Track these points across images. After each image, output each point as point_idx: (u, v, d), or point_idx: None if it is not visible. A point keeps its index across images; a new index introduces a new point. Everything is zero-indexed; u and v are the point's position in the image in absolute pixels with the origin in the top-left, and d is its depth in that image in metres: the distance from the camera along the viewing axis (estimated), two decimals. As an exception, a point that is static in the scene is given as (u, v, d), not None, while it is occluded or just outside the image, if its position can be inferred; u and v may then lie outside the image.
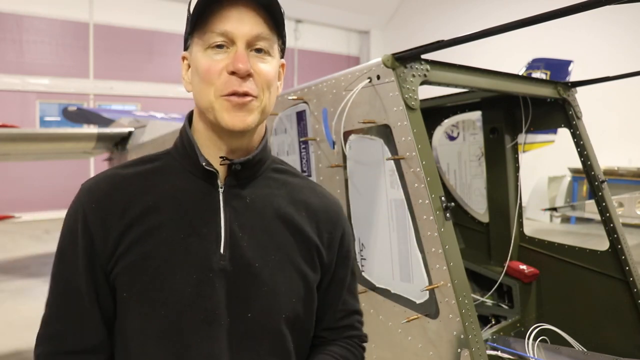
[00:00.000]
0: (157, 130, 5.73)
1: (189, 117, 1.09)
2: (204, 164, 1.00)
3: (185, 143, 1.04)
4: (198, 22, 0.96)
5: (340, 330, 1.17)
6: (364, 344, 1.21)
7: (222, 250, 0.99)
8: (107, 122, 7.33)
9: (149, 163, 1.06)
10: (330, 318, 1.16)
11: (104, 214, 0.98)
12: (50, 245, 7.94)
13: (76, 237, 0.98)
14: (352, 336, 1.19)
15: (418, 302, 1.84)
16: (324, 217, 1.12)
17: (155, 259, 0.96)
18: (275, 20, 0.99)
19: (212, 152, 1.03)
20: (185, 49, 1.04)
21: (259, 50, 0.98)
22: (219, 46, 0.96)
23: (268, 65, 0.99)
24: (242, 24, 0.95)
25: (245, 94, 0.95)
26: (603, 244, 2.55)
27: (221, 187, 1.03)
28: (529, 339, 2.15)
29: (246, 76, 0.95)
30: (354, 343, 1.18)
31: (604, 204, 2.52)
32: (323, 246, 1.10)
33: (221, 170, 1.03)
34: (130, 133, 6.12)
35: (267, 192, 1.08)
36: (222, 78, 0.95)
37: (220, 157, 1.01)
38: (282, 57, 1.07)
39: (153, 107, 10.24)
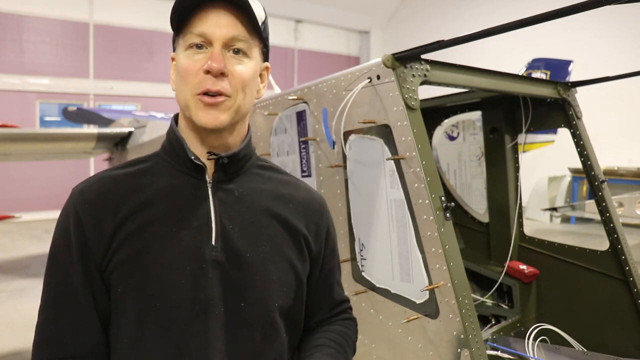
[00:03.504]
0: (157, 130, 5.72)
1: (175, 119, 1.12)
2: (192, 157, 1.04)
3: (173, 142, 1.08)
4: (179, 24, 1.00)
5: (334, 319, 1.25)
6: (356, 326, 1.29)
7: (213, 242, 1.02)
8: (107, 122, 7.33)
9: (139, 164, 1.09)
10: (324, 311, 1.22)
11: (97, 213, 1.00)
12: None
13: (69, 238, 1.00)
14: (346, 318, 1.27)
15: (418, 302, 1.84)
16: (309, 209, 1.17)
17: (149, 253, 0.98)
18: (253, 23, 1.01)
19: (196, 149, 1.06)
20: (174, 50, 1.08)
21: (236, 52, 1.01)
22: (199, 46, 0.99)
23: (244, 67, 1.02)
24: (218, 26, 0.98)
25: (218, 93, 0.98)
26: (603, 244, 2.55)
27: (209, 182, 1.06)
28: (529, 339, 2.14)
29: (220, 75, 0.98)
30: (349, 323, 1.26)
31: (604, 204, 2.52)
32: (311, 236, 1.15)
33: (209, 166, 1.06)
34: (130, 133, 6.11)
35: (253, 186, 1.11)
36: (198, 77, 0.99)
37: (207, 152, 1.05)
38: (265, 60, 1.10)
39: (153, 107, 10.23)
